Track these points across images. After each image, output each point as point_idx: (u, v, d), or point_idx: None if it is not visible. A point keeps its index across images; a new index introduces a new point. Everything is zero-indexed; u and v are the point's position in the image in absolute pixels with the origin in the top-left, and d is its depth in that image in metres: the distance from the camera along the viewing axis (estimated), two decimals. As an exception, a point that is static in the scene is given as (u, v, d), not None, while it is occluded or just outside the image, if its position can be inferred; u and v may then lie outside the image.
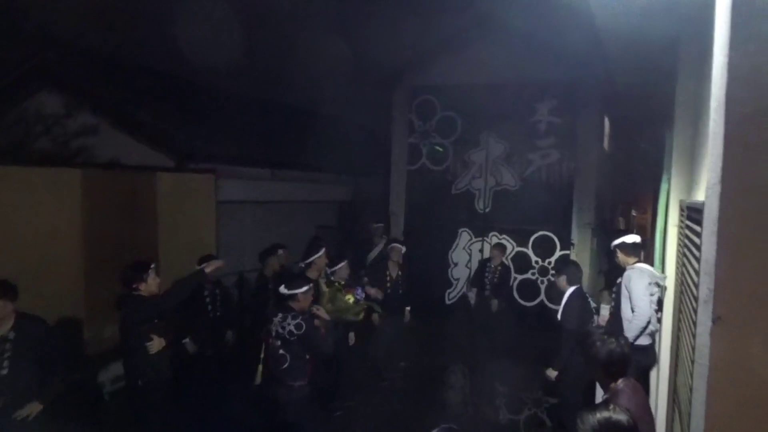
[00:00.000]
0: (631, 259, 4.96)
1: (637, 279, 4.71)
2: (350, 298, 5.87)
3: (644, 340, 4.74)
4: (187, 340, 5.56)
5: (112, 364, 5.86)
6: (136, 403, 4.51)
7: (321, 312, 4.68)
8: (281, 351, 4.33)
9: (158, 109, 7.69)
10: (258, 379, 4.54)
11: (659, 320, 4.76)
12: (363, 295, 6.00)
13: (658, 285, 4.72)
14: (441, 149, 10.02)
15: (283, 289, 4.45)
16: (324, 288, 5.69)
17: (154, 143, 7.04)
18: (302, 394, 4.42)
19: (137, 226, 6.32)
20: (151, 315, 4.38)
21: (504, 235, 9.65)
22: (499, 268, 8.03)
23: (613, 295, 5.25)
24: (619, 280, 5.06)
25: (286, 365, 4.33)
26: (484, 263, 8.38)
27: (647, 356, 4.79)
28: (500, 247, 8.37)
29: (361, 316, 5.98)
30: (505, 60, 8.99)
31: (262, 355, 4.53)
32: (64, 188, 5.58)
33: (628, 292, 4.78)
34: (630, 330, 4.63)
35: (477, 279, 8.28)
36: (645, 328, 4.66)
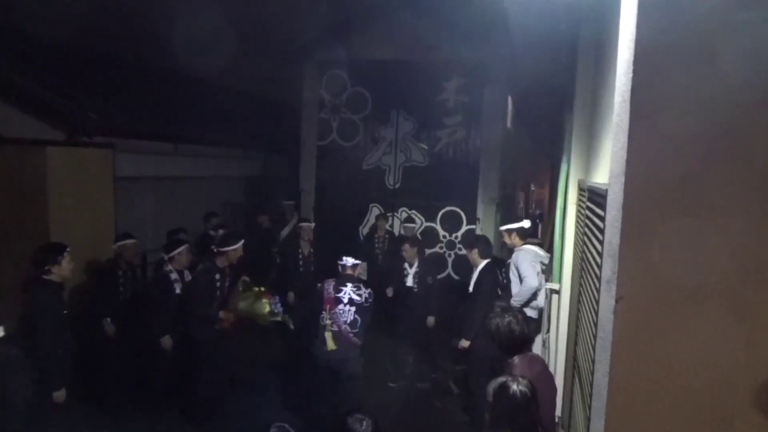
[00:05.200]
0: (520, 242, 5.50)
1: (524, 256, 5.30)
2: (266, 306, 5.62)
3: (531, 313, 5.21)
4: (108, 320, 5.33)
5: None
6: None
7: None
8: (355, 315, 5.00)
9: (46, 78, 7.00)
10: (331, 345, 4.92)
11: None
12: (281, 309, 5.80)
13: (542, 263, 5.34)
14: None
15: (346, 260, 5.15)
16: (240, 287, 5.49)
17: (42, 115, 6.42)
18: (359, 352, 5.16)
19: (25, 206, 5.80)
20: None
21: (413, 210, 9.85)
22: (386, 237, 8.40)
23: (503, 277, 5.72)
24: (508, 261, 5.58)
25: (358, 328, 5.00)
26: (371, 234, 8.67)
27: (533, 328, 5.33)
28: (384, 218, 8.84)
29: (270, 323, 5.87)
30: (415, 37, 9.06)
31: (329, 322, 4.96)
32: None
33: (516, 268, 5.27)
34: (519, 295, 5.13)
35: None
36: (534, 294, 5.20)
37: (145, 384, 5.56)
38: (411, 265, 6.76)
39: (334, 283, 5.11)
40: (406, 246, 6.74)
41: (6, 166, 5.59)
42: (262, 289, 5.69)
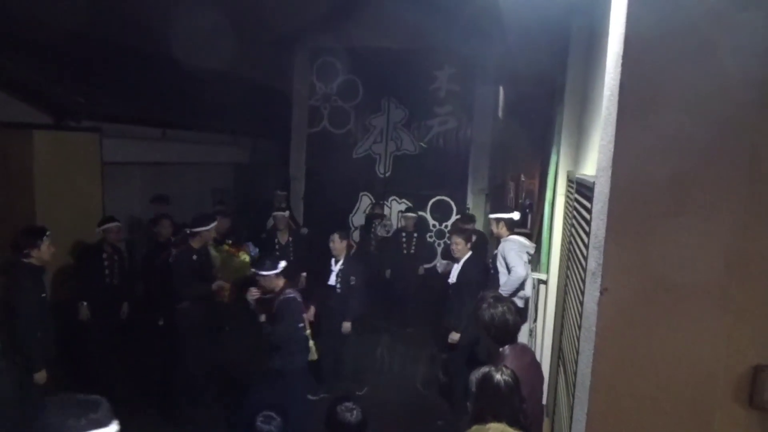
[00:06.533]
0: (507, 232, 5.49)
1: (510, 246, 5.30)
2: (244, 257, 5.80)
3: (518, 303, 5.20)
4: (84, 304, 5.31)
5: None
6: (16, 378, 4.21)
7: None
8: None
9: (33, 62, 6.90)
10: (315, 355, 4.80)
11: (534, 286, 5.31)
12: (256, 250, 5.92)
13: (528, 253, 5.35)
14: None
15: (280, 265, 4.64)
16: (214, 252, 5.56)
17: (29, 98, 6.32)
18: None
19: (10, 190, 5.73)
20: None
21: (403, 199, 9.87)
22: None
23: (491, 266, 5.69)
24: (495, 252, 5.57)
25: None
26: (370, 219, 8.80)
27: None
28: (380, 206, 9.07)
29: None
30: (408, 25, 9.00)
31: (309, 332, 4.75)
32: None
33: (504, 259, 5.28)
34: (507, 285, 5.14)
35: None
36: (522, 284, 5.20)
37: (133, 370, 5.56)
38: (337, 261, 5.92)
39: (300, 296, 4.78)
40: (335, 237, 5.86)
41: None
42: (230, 243, 5.76)
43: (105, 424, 1.76)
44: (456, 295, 5.50)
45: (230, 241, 5.84)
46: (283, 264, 4.63)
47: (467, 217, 8.13)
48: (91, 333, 5.44)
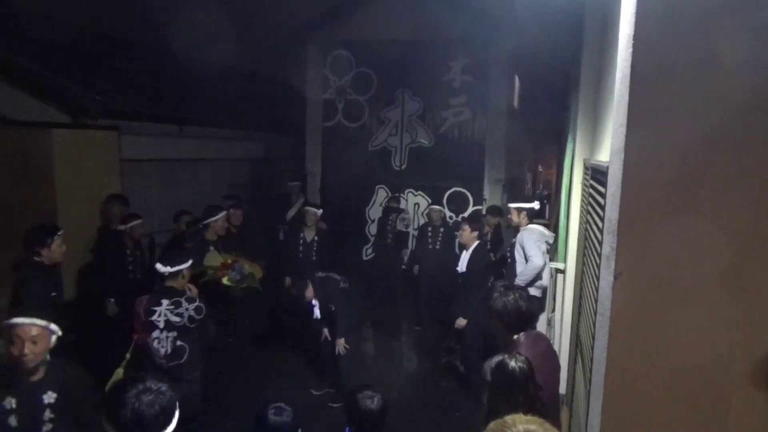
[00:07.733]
0: (526, 221, 5.44)
1: (529, 235, 5.26)
2: (228, 281, 5.52)
3: (535, 292, 5.19)
4: (111, 300, 5.38)
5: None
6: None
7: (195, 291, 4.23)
8: (179, 342, 3.81)
9: (49, 59, 7.01)
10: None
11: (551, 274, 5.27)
12: (238, 278, 5.60)
13: (547, 243, 5.31)
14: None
15: (162, 267, 3.94)
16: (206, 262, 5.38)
17: (47, 97, 6.43)
18: (199, 386, 4.08)
19: (32, 188, 5.83)
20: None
21: (419, 192, 9.85)
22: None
23: (508, 255, 5.66)
24: (513, 240, 5.53)
25: (185, 358, 3.84)
26: (387, 213, 8.88)
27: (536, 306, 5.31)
28: (396, 200, 9.23)
29: (260, 275, 5.83)
30: (420, 16, 8.97)
31: (128, 356, 3.84)
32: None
33: (522, 248, 5.24)
34: (524, 274, 5.10)
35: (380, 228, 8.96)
36: (539, 274, 5.17)
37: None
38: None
39: (146, 301, 3.90)
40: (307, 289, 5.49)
41: (13, 148, 5.61)
42: (223, 261, 5.48)
43: (174, 412, 1.97)
44: (466, 284, 5.51)
45: (226, 260, 5.45)
46: (170, 269, 3.99)
47: (495, 209, 7.87)
48: (115, 327, 5.53)
